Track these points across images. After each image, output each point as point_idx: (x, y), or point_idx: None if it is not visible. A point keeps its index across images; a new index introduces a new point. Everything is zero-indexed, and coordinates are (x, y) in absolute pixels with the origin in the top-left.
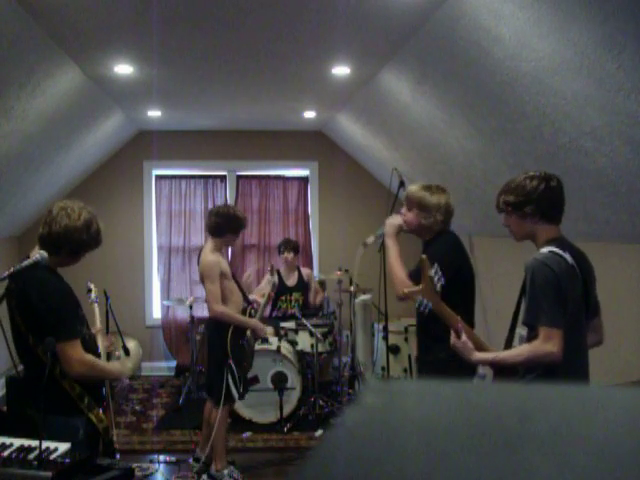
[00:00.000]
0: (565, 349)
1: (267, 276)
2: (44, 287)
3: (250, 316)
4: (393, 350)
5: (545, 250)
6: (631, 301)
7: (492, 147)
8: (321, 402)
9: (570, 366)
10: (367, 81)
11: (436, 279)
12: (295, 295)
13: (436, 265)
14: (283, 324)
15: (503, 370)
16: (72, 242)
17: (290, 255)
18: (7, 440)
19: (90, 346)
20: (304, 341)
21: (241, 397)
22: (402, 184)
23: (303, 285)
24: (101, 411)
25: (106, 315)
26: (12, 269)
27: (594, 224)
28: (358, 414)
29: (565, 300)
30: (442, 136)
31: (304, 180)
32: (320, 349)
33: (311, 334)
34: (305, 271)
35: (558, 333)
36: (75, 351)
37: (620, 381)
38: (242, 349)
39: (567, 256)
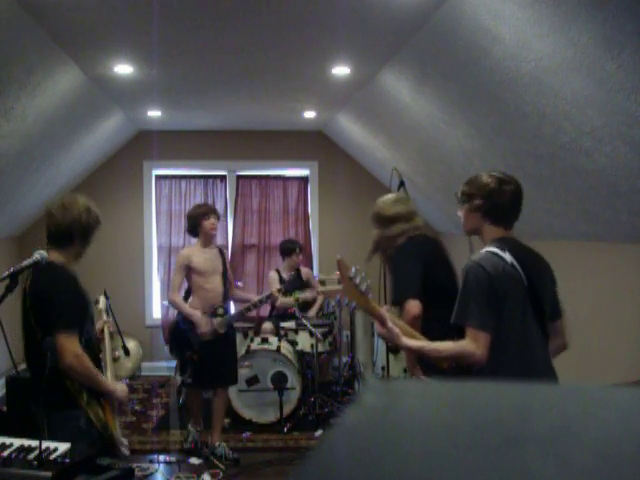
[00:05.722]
0: (509, 348)
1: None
2: (53, 280)
3: (216, 315)
4: (393, 350)
5: (483, 250)
6: (631, 301)
7: (492, 147)
8: (321, 402)
9: (514, 365)
10: (367, 81)
11: (358, 280)
12: (295, 294)
13: (355, 268)
14: (283, 324)
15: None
16: (81, 228)
17: (301, 257)
18: (7, 440)
19: (92, 350)
20: (304, 341)
21: (185, 383)
22: (402, 184)
23: (303, 284)
24: (100, 410)
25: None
26: (12, 269)
27: (594, 224)
28: (358, 414)
29: (500, 301)
30: (442, 136)
31: (304, 180)
32: (320, 349)
33: (311, 334)
34: (304, 271)
35: (484, 336)
36: (70, 343)
37: (620, 381)
38: (188, 339)
39: (506, 255)
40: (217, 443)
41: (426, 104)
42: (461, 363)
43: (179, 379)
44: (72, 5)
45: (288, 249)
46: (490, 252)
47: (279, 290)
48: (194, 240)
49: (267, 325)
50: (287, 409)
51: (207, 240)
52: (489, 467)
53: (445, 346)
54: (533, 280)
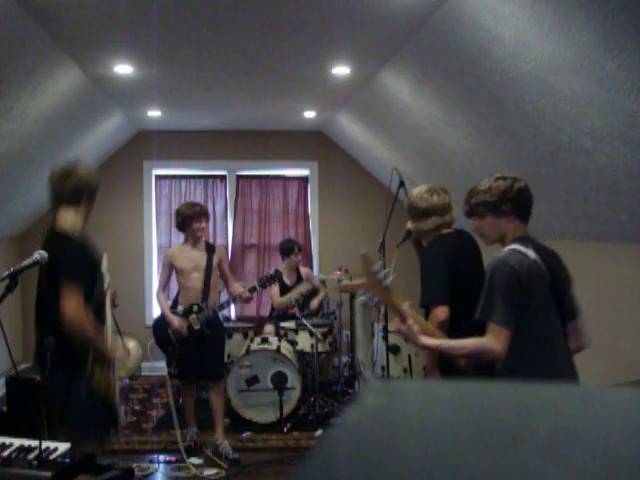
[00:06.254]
0: (532, 344)
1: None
2: (60, 243)
3: (191, 312)
4: (393, 350)
5: (507, 248)
6: (631, 301)
7: (492, 147)
8: (321, 402)
9: (538, 361)
10: (367, 81)
11: (382, 275)
12: (295, 292)
13: (380, 262)
14: (283, 324)
15: (451, 363)
16: (87, 187)
17: (300, 257)
18: (7, 440)
19: (98, 305)
20: (304, 341)
21: (172, 375)
22: (402, 184)
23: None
24: (103, 377)
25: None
26: (12, 269)
27: (594, 224)
28: (358, 414)
29: (526, 297)
30: (442, 136)
31: (304, 180)
32: (320, 349)
33: (311, 334)
34: (304, 270)
35: (506, 333)
36: (71, 299)
37: (621, 381)
38: (168, 335)
39: (530, 252)
40: (219, 441)
41: (426, 104)
42: (479, 360)
43: (166, 370)
44: (72, 5)
45: (287, 249)
46: (514, 249)
47: (251, 289)
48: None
49: (267, 325)
50: (287, 409)
51: (193, 240)
52: (489, 467)
53: (464, 343)
54: (555, 277)
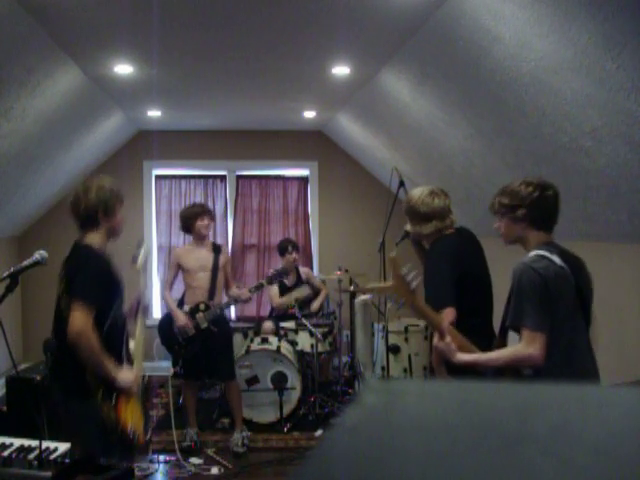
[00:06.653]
0: (560, 350)
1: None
2: (81, 257)
3: (198, 311)
4: (393, 350)
5: (532, 253)
6: (631, 301)
7: (492, 147)
8: (321, 402)
9: (569, 366)
10: (367, 81)
11: (410, 277)
12: (295, 294)
13: (409, 266)
14: (283, 324)
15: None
16: (100, 207)
17: (296, 255)
18: (7, 440)
19: (115, 333)
20: (304, 341)
21: (179, 375)
22: (402, 184)
23: (302, 284)
24: (112, 408)
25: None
26: (12, 269)
27: (594, 224)
28: (358, 414)
29: (553, 302)
30: (442, 136)
31: (304, 180)
32: (320, 349)
33: (311, 334)
34: (303, 270)
35: (541, 337)
36: (80, 316)
37: (621, 381)
38: (174, 334)
39: (555, 258)
40: (235, 435)
41: (426, 104)
42: (519, 367)
43: (172, 370)
44: (72, 5)
45: (282, 248)
46: (539, 255)
47: (256, 287)
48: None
49: (267, 325)
50: (287, 409)
51: (199, 239)
52: (489, 467)
53: (500, 354)
54: (580, 283)
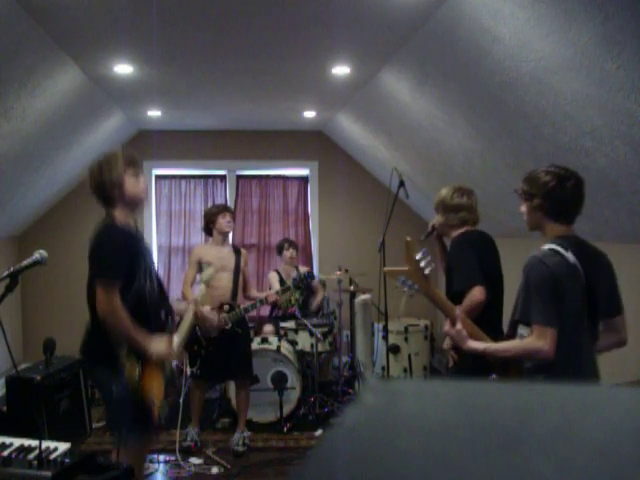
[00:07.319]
0: (562, 348)
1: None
2: (101, 234)
3: (222, 311)
4: (393, 350)
5: (545, 247)
6: (631, 301)
7: (492, 147)
8: (321, 402)
9: (569, 365)
10: (367, 81)
11: (424, 263)
12: (295, 294)
13: (424, 249)
14: (283, 324)
15: (497, 364)
16: (111, 186)
17: (293, 252)
18: (7, 440)
19: (143, 301)
20: (304, 341)
21: (194, 375)
22: (402, 184)
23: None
24: (137, 370)
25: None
26: (12, 269)
27: (594, 224)
28: (358, 414)
29: (561, 298)
30: (442, 136)
31: (304, 180)
32: (320, 349)
33: (311, 334)
34: (303, 269)
35: (551, 331)
36: (105, 294)
37: (621, 381)
38: (195, 334)
39: (569, 255)
40: (236, 434)
41: (426, 104)
42: (527, 361)
43: (189, 371)
44: (72, 5)
45: (279, 247)
46: (552, 249)
47: (284, 290)
48: (196, 240)
49: (267, 330)
50: (287, 409)
51: (221, 237)
52: (489, 467)
53: (508, 345)
54: (591, 280)
